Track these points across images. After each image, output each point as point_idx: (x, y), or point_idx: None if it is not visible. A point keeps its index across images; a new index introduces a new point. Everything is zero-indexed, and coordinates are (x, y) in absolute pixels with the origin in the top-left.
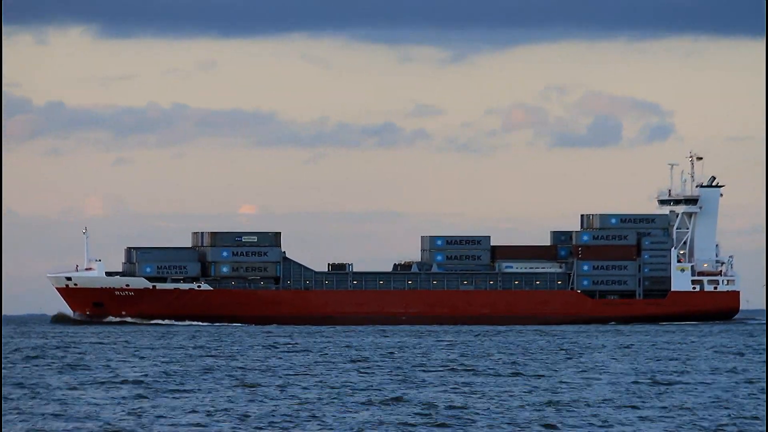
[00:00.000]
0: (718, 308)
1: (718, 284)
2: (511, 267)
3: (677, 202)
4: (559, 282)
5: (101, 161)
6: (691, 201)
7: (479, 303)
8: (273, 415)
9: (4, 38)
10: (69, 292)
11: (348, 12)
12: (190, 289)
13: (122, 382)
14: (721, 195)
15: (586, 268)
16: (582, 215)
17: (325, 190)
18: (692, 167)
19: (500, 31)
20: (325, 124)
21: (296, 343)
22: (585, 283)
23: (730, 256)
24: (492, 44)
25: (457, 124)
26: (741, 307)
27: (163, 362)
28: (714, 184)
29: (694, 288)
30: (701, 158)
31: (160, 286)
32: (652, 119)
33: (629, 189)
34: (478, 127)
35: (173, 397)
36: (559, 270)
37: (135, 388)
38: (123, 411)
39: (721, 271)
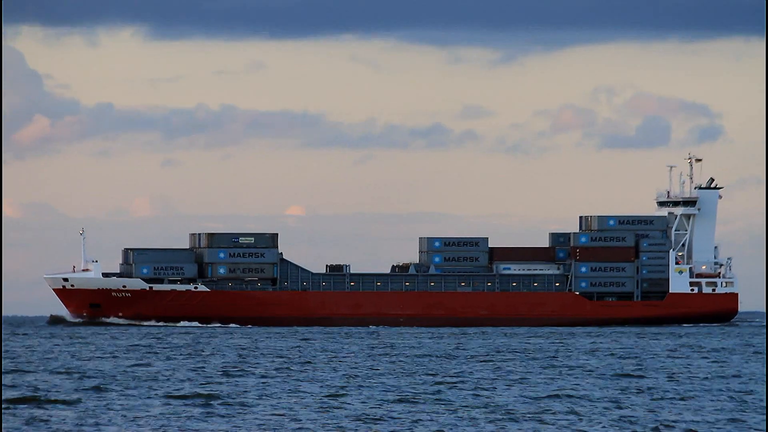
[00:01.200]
0: (717, 310)
1: (716, 286)
2: (509, 269)
3: (676, 203)
4: (557, 284)
5: (149, 163)
6: (690, 203)
7: (477, 305)
8: None
9: (54, 40)
10: (66, 294)
11: (397, 13)
12: (186, 290)
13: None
14: (720, 197)
15: (583, 269)
16: (580, 217)
17: (373, 192)
18: (691, 169)
19: (550, 33)
20: (374, 125)
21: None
22: (583, 284)
23: (729, 258)
24: (541, 45)
25: (505, 126)
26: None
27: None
28: (713, 186)
29: (692, 290)
30: (700, 160)
31: (156, 287)
32: (701, 121)
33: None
34: (527, 129)
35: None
36: (557, 272)
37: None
38: None
39: (719, 273)
